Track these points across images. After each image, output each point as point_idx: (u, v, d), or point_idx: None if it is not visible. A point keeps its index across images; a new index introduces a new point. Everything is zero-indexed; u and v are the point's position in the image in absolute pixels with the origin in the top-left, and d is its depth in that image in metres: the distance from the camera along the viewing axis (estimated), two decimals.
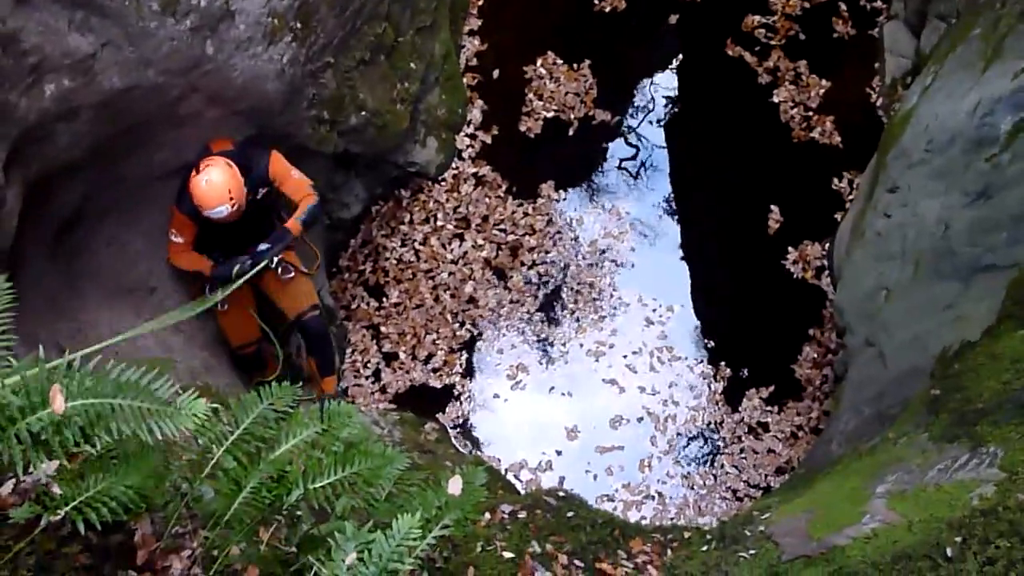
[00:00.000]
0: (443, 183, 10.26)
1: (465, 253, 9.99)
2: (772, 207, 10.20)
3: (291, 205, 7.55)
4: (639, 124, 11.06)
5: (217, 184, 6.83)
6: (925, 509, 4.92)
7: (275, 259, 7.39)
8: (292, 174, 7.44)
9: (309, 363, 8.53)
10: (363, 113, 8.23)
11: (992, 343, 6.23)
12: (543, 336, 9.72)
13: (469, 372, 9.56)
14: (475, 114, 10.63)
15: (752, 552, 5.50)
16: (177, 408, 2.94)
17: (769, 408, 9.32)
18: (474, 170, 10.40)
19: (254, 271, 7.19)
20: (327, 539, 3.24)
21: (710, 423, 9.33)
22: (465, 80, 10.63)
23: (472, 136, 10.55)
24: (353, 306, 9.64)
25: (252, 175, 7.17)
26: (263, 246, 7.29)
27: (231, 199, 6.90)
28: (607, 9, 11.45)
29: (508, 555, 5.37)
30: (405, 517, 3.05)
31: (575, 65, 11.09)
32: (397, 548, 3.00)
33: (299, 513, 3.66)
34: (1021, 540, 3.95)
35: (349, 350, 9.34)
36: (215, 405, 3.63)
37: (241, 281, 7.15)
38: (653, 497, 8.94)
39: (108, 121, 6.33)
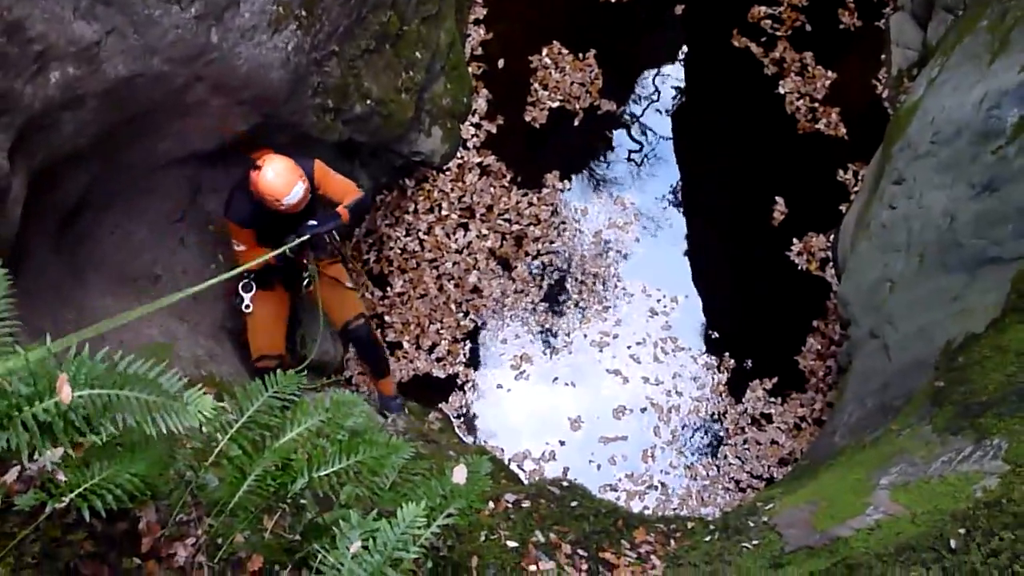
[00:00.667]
0: (448, 172, 10.25)
1: (469, 243, 9.98)
2: (777, 198, 10.21)
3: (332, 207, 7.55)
4: (644, 114, 11.05)
5: (284, 170, 6.89)
6: (929, 501, 4.93)
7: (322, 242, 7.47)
8: (336, 177, 7.55)
9: (363, 367, 8.96)
10: (368, 102, 8.21)
11: (997, 336, 6.24)
12: (547, 326, 9.72)
13: (473, 362, 9.56)
14: (480, 103, 10.63)
15: (755, 543, 5.51)
16: (184, 403, 2.94)
17: (773, 399, 9.33)
18: (479, 160, 10.40)
19: (298, 242, 7.13)
20: (332, 527, 3.25)
21: (713, 414, 9.34)
22: (470, 69, 10.63)
23: (477, 125, 10.54)
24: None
25: None
26: (311, 222, 7.29)
27: (302, 178, 6.96)
28: None
29: (512, 544, 5.39)
30: (410, 506, 3.06)
31: (581, 55, 11.08)
32: (402, 536, 3.00)
33: (303, 502, 3.66)
34: None
35: None
36: (220, 395, 3.65)
37: (285, 249, 7.03)
38: (656, 487, 8.95)
39: (113, 109, 6.31)
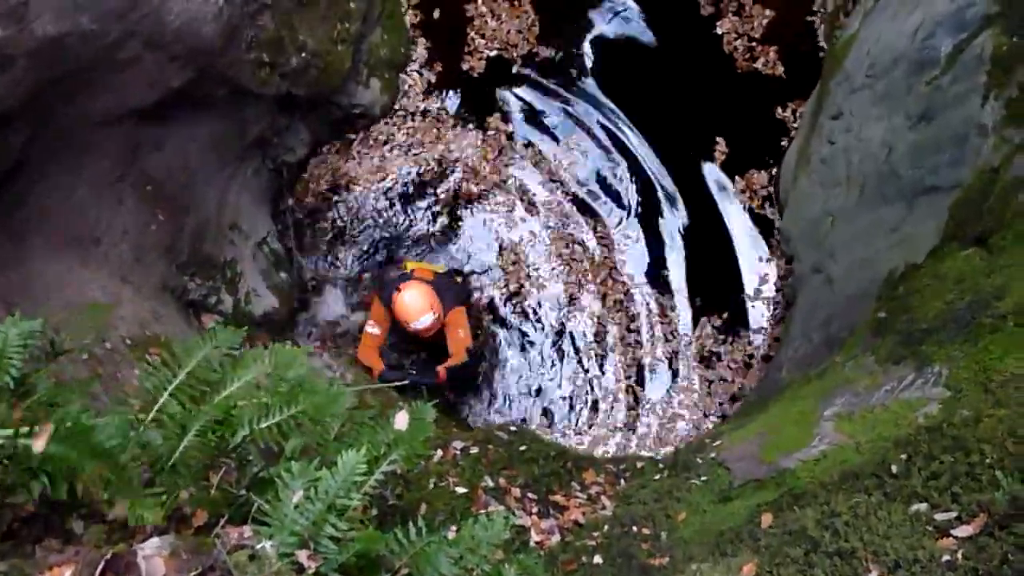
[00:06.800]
0: (389, 122, 10.17)
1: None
2: (717, 138, 10.22)
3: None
4: (584, 59, 10.96)
5: (418, 299, 8.07)
6: (872, 429, 4.99)
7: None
8: (460, 332, 8.47)
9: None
10: (303, 54, 8.16)
11: (936, 264, 6.29)
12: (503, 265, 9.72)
13: None
14: (420, 51, 10.55)
15: (704, 478, 5.57)
16: (141, 494, 2.97)
17: (722, 336, 9.38)
18: (422, 107, 10.33)
19: (396, 384, 7.79)
20: (276, 480, 3.24)
21: (666, 353, 9.37)
22: (407, 19, 10.54)
23: (417, 74, 10.46)
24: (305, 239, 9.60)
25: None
26: (412, 372, 8.59)
27: (432, 310, 8.11)
28: None
29: (461, 490, 5.42)
30: (350, 453, 3.06)
31: (517, 2, 11.00)
32: (343, 484, 3.01)
33: (250, 457, 3.65)
34: (965, 454, 4.00)
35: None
36: (160, 354, 3.62)
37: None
38: (616, 430, 8.99)
39: (44, 69, 6.22)
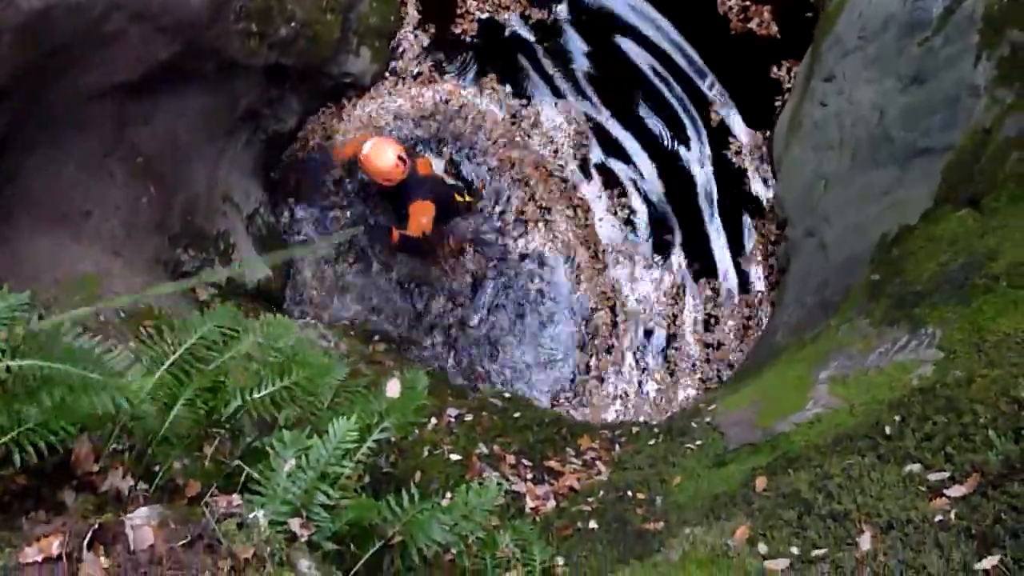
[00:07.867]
0: (384, 85, 10.12)
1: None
2: (711, 98, 10.18)
3: None
4: (575, 21, 10.88)
5: (387, 147, 8.25)
6: (867, 392, 5.00)
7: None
8: (423, 219, 8.49)
9: None
10: (292, 24, 8.12)
11: (929, 226, 6.29)
12: (502, 229, 9.70)
13: None
14: (411, 14, 10.46)
15: (699, 443, 5.58)
16: (126, 383, 2.93)
17: (719, 301, 9.36)
18: (416, 70, 10.28)
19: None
20: (269, 449, 3.24)
21: (665, 317, 9.35)
22: None
23: (408, 37, 10.39)
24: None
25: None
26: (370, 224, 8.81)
27: (398, 164, 8.21)
28: None
29: (455, 457, 5.43)
30: (341, 421, 3.06)
31: None
32: (334, 452, 3.01)
33: (243, 428, 3.65)
34: (958, 415, 4.00)
35: None
36: (160, 327, 3.61)
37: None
38: (619, 398, 8.98)
39: (31, 44, 6.19)
